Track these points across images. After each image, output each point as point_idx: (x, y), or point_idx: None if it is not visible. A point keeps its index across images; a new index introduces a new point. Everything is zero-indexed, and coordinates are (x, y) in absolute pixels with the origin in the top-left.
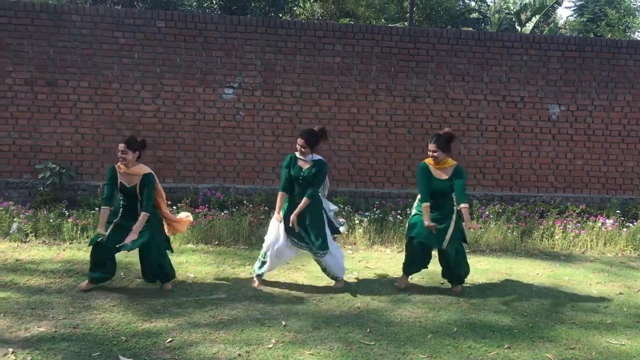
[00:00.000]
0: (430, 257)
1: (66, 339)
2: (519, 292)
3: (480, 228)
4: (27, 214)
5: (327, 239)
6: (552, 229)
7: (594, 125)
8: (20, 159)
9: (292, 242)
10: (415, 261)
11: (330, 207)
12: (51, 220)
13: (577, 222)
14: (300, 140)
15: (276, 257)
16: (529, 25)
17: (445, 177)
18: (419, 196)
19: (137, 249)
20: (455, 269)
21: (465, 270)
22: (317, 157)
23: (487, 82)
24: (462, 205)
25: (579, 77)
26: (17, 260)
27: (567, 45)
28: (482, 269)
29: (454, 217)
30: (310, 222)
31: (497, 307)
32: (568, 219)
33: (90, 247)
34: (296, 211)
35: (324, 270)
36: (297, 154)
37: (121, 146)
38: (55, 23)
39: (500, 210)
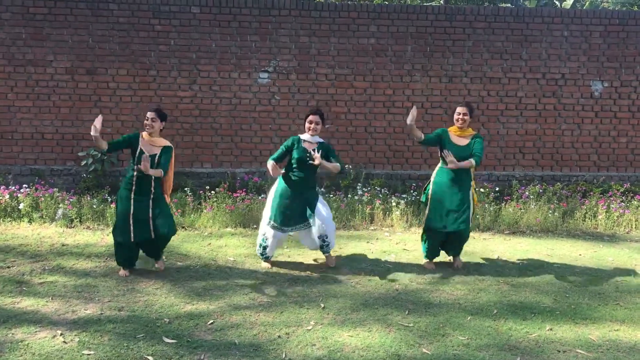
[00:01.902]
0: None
1: (112, 320)
2: (560, 274)
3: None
4: (71, 200)
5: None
6: (595, 208)
7: (638, 101)
8: (63, 146)
9: (291, 228)
10: (435, 245)
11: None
12: (94, 206)
13: (621, 201)
14: (315, 117)
15: (276, 242)
16: (569, 0)
17: (464, 143)
18: (438, 165)
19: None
20: (462, 243)
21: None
22: (319, 139)
23: (527, 59)
24: (471, 160)
25: (623, 52)
26: (63, 245)
27: (610, 19)
28: (522, 250)
29: (470, 196)
30: (310, 199)
31: (538, 289)
32: (612, 198)
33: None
34: (324, 163)
35: (322, 238)
36: (308, 134)
37: (151, 114)
38: (93, 12)
39: (540, 191)
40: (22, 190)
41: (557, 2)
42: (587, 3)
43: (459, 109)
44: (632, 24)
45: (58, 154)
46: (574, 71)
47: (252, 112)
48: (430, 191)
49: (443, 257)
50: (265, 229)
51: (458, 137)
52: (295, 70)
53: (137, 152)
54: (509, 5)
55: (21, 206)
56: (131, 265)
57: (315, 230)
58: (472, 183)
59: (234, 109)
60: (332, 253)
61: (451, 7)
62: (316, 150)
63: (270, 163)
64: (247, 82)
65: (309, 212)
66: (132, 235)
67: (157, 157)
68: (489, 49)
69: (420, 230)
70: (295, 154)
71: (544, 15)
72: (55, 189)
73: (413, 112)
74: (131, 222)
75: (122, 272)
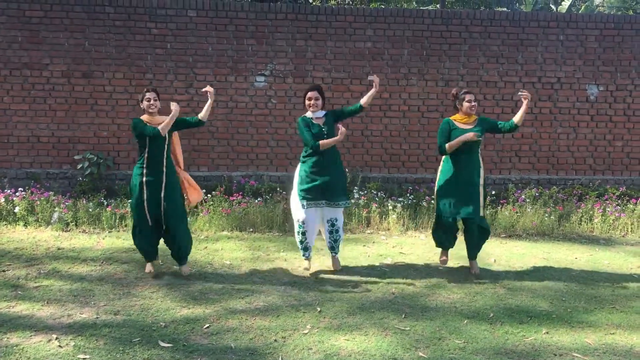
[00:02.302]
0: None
1: (107, 325)
2: (556, 277)
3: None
4: (67, 203)
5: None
6: (591, 212)
7: (634, 105)
8: (59, 150)
9: (318, 205)
10: (446, 235)
11: None
12: (90, 210)
13: (617, 204)
14: (313, 93)
15: (312, 229)
16: (565, 4)
17: (471, 126)
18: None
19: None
20: (480, 240)
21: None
22: (324, 111)
23: (522, 63)
24: (515, 120)
25: (618, 56)
26: (59, 248)
27: (605, 23)
28: (518, 253)
29: (481, 180)
30: (338, 174)
31: (534, 292)
32: (607, 201)
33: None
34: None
35: (334, 232)
36: (310, 111)
37: (152, 94)
38: (89, 15)
39: (536, 194)
40: (17, 194)
41: (552, 7)
42: (583, 7)
43: (469, 97)
44: (628, 28)
45: (54, 158)
46: (570, 75)
47: (248, 115)
48: (437, 182)
49: (452, 262)
50: (299, 215)
51: (464, 123)
52: (291, 73)
53: (148, 127)
54: (504, 9)
55: (17, 210)
56: (153, 255)
57: (330, 212)
58: (482, 171)
59: (230, 113)
60: (328, 257)
61: (447, 11)
62: (324, 122)
63: (319, 143)
64: (243, 85)
65: (340, 197)
66: (148, 218)
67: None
68: (485, 52)
69: (417, 234)
70: (313, 130)
71: (540, 19)
72: (51, 193)
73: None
74: (146, 205)
75: (147, 267)
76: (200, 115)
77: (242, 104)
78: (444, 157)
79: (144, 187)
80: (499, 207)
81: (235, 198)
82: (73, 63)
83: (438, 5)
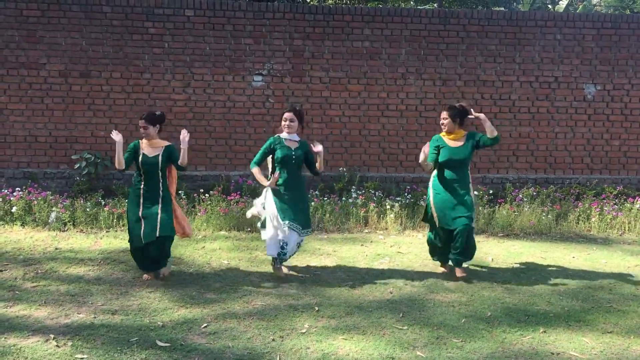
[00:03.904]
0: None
1: (105, 324)
2: (554, 276)
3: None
4: (64, 203)
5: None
6: (589, 211)
7: (631, 104)
8: (56, 149)
9: (290, 227)
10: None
11: None
12: (88, 210)
13: (615, 204)
14: (289, 114)
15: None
16: (562, 3)
17: (460, 144)
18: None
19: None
20: (468, 243)
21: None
22: (298, 137)
23: (520, 62)
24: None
25: (615, 56)
26: (56, 248)
27: (603, 22)
28: (516, 252)
29: (472, 194)
30: (303, 202)
31: (531, 291)
32: (605, 201)
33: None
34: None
35: (296, 249)
36: (285, 131)
37: (141, 122)
38: (86, 15)
39: (534, 193)
40: (15, 194)
41: (550, 6)
42: (580, 7)
43: (442, 114)
44: (625, 27)
45: (51, 157)
46: (567, 74)
47: (246, 115)
48: (431, 200)
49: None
50: (280, 236)
51: (452, 140)
52: (289, 73)
53: (140, 158)
54: (502, 8)
55: (14, 209)
56: (149, 268)
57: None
58: (471, 186)
59: (228, 112)
60: (326, 257)
61: (445, 11)
62: (296, 150)
63: (254, 169)
64: (241, 85)
65: (308, 228)
66: (142, 237)
67: (159, 156)
68: (483, 52)
69: (415, 233)
70: (279, 153)
71: (537, 18)
72: (48, 192)
73: (425, 150)
74: (142, 224)
75: (144, 276)
76: (179, 161)
77: (239, 103)
78: (433, 173)
79: (141, 199)
80: (497, 207)
81: (233, 198)
82: (70, 62)
83: (435, 5)
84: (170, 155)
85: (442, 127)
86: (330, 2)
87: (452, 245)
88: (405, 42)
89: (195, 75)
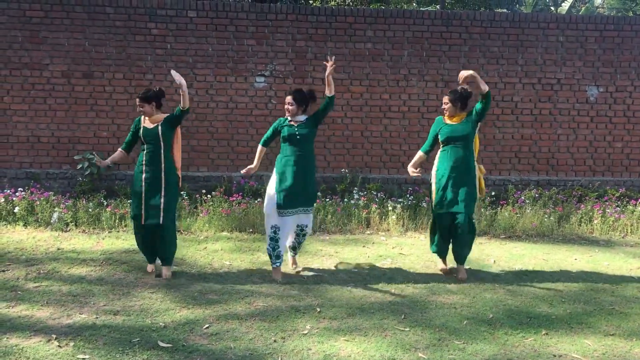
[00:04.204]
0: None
1: (107, 325)
2: (556, 278)
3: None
4: (67, 203)
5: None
6: (591, 213)
7: (633, 106)
8: (59, 150)
9: (290, 213)
10: (441, 236)
11: None
12: (90, 210)
13: (617, 206)
14: (288, 98)
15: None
16: (565, 5)
17: (458, 121)
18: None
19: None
20: (464, 243)
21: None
22: (305, 116)
23: (522, 64)
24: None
25: (618, 58)
26: (58, 249)
27: (605, 24)
28: (518, 254)
29: (476, 176)
30: (309, 178)
31: (534, 293)
32: (607, 203)
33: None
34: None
35: (301, 235)
36: (287, 114)
37: (137, 101)
38: (89, 15)
39: (536, 195)
40: (17, 194)
41: (552, 8)
42: (583, 9)
43: (444, 99)
44: (628, 29)
45: (54, 158)
46: (570, 76)
47: (248, 116)
48: (433, 182)
49: (452, 263)
50: (273, 220)
51: (452, 122)
52: (291, 74)
53: (141, 131)
54: (505, 10)
55: (16, 210)
56: (152, 256)
57: (297, 219)
58: (478, 172)
59: (230, 113)
60: (328, 258)
61: (447, 12)
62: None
63: (258, 148)
64: (243, 86)
65: (311, 204)
66: (143, 217)
67: (159, 126)
68: (485, 54)
69: (417, 234)
70: (284, 132)
71: (540, 20)
72: (50, 193)
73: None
74: (143, 203)
75: (148, 268)
76: (181, 105)
77: (242, 104)
78: (438, 153)
79: (143, 184)
80: (499, 208)
81: (235, 198)
82: (73, 63)
83: (438, 7)
84: (168, 121)
85: (444, 111)
86: (333, 3)
87: (452, 241)
88: (407, 44)
89: (198, 76)
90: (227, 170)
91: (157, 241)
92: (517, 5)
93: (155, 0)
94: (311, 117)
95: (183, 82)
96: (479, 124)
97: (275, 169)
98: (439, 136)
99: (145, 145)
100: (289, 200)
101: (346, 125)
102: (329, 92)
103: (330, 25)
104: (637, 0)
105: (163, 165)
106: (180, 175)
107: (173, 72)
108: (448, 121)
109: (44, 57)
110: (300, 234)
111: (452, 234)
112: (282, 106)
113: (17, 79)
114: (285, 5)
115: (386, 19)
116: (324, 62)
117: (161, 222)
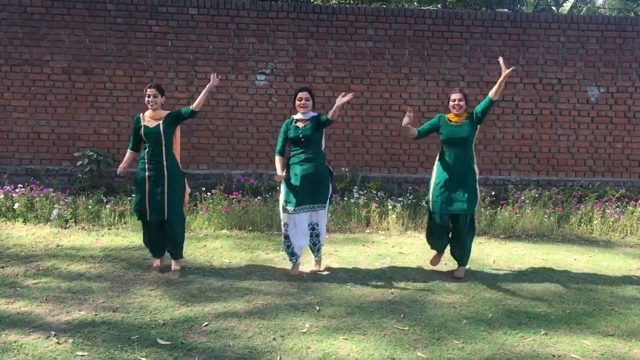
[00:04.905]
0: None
1: (106, 322)
2: (555, 278)
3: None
4: (66, 200)
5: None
6: (591, 214)
7: (634, 107)
8: (59, 146)
9: (297, 211)
10: (436, 235)
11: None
12: (90, 207)
13: (617, 206)
14: (304, 94)
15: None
16: (567, 5)
17: (460, 122)
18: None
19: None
20: (464, 243)
21: (470, 244)
22: (312, 114)
23: (523, 64)
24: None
25: (619, 58)
26: (58, 245)
27: (607, 25)
28: (518, 254)
29: (476, 177)
30: (317, 177)
31: (533, 293)
32: (607, 203)
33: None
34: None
35: (314, 235)
36: (300, 111)
37: (152, 91)
38: (90, 12)
39: (536, 195)
40: (17, 190)
41: (554, 8)
42: (584, 9)
43: (453, 96)
44: (629, 30)
45: (54, 154)
46: (571, 76)
47: (249, 114)
48: (433, 181)
49: (451, 263)
50: (283, 218)
51: (455, 122)
52: (292, 72)
53: (142, 130)
54: (506, 10)
55: (16, 206)
56: (159, 251)
57: (309, 217)
58: (476, 167)
59: (230, 111)
60: (328, 256)
61: (449, 12)
62: (308, 126)
63: (276, 158)
64: (244, 84)
65: (319, 202)
66: (148, 214)
67: (160, 126)
68: (486, 53)
69: (417, 234)
70: (290, 133)
71: (541, 20)
72: (50, 189)
73: (409, 114)
74: (147, 200)
75: (154, 263)
76: (193, 105)
77: (242, 102)
78: (437, 156)
79: (146, 182)
80: (499, 208)
81: (234, 196)
82: (74, 60)
83: (439, 6)
84: (171, 118)
85: (456, 108)
86: (334, 1)
87: (452, 241)
88: (408, 43)
89: (199, 73)
90: (227, 168)
91: (165, 236)
92: (519, 5)
93: None
94: (316, 118)
95: (215, 84)
96: (479, 126)
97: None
98: (440, 136)
99: (147, 144)
100: (295, 198)
101: (346, 124)
102: (331, 116)
103: (331, 24)
104: (639, 0)
105: (165, 162)
106: (183, 171)
107: (213, 76)
108: (452, 121)
109: (45, 53)
110: (313, 234)
111: (452, 234)
112: (282, 104)
113: (18, 75)
114: (287, 3)
115: (387, 17)
116: (341, 96)
117: (166, 217)
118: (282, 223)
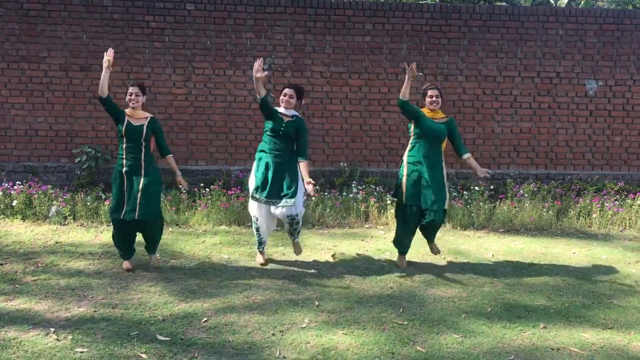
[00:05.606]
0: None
1: (105, 318)
2: (554, 272)
3: (489, 173)
4: (65, 197)
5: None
6: (589, 207)
7: (632, 100)
8: (57, 143)
9: (270, 203)
10: (410, 232)
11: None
12: (88, 204)
13: (615, 200)
14: (289, 90)
15: (265, 220)
16: None
17: (439, 120)
18: (407, 149)
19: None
20: (436, 229)
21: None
22: (295, 112)
23: (521, 58)
24: (466, 155)
25: (617, 51)
26: (56, 242)
27: (605, 18)
28: (516, 248)
29: (445, 174)
30: (289, 178)
31: (532, 287)
32: (606, 197)
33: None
34: (306, 179)
35: (294, 224)
36: (282, 106)
37: (134, 89)
38: (87, 8)
39: (535, 189)
40: (15, 187)
41: (552, 1)
42: (583, 2)
43: (431, 92)
44: (627, 23)
45: (52, 151)
46: (569, 70)
47: (247, 109)
48: (404, 172)
49: (450, 257)
50: (252, 209)
51: (432, 117)
52: (290, 67)
53: (125, 124)
54: (504, 3)
55: (14, 203)
56: (128, 252)
57: (284, 210)
58: (444, 166)
59: (228, 107)
60: (327, 251)
61: (447, 6)
62: (290, 123)
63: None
64: (242, 79)
65: (286, 190)
66: (123, 212)
67: (144, 127)
68: (484, 47)
69: None
70: (270, 124)
71: (539, 13)
72: (48, 186)
73: (414, 68)
74: (125, 199)
75: (124, 264)
76: (166, 155)
77: (240, 97)
78: (406, 152)
79: (124, 177)
80: (498, 202)
81: (233, 192)
82: (71, 56)
83: (437, 0)
84: (155, 128)
85: (434, 105)
86: None
87: (423, 229)
88: (406, 37)
89: (196, 69)
90: (225, 163)
91: (144, 236)
92: None
93: None
94: (298, 121)
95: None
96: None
97: (255, 161)
98: (418, 128)
99: (125, 139)
100: (266, 190)
101: (345, 119)
102: (303, 170)
103: (329, 19)
104: None
105: (143, 160)
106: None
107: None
108: (428, 116)
109: (42, 50)
110: (293, 223)
111: (422, 225)
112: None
113: (15, 72)
114: None
115: (385, 12)
116: (306, 182)
117: (142, 216)
118: (251, 215)
